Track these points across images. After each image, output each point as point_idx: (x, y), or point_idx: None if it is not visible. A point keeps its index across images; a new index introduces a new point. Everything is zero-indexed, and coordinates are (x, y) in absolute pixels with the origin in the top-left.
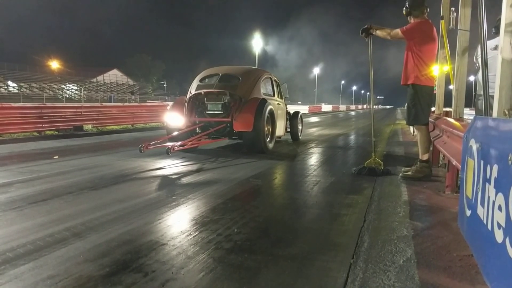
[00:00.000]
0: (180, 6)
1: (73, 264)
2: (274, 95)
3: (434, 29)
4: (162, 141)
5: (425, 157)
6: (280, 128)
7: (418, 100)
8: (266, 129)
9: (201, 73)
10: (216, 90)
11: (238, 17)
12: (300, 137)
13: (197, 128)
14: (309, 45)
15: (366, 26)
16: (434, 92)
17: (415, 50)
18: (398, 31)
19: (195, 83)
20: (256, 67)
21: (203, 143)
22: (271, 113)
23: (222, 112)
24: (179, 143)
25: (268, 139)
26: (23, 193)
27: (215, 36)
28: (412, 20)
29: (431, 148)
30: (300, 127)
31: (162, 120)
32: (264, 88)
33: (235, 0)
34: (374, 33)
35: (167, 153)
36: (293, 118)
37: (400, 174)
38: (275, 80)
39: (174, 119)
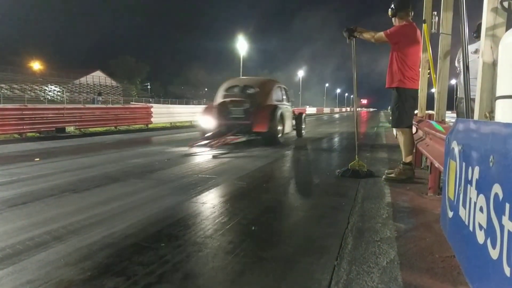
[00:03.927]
0: (165, 7)
1: (53, 268)
2: (283, 101)
3: (418, 32)
4: (201, 140)
5: (408, 159)
6: (288, 126)
7: (402, 103)
8: (278, 128)
9: (224, 84)
10: (238, 98)
11: (225, 19)
12: (303, 134)
13: (224, 129)
14: (294, 48)
15: (351, 27)
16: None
17: (399, 53)
18: (382, 34)
19: (220, 92)
20: (241, 68)
21: (231, 140)
22: (281, 115)
23: (243, 116)
24: (212, 142)
25: (280, 135)
26: (3, 196)
27: (201, 37)
28: (396, 22)
29: (414, 151)
30: (303, 126)
31: (196, 121)
32: (276, 96)
33: (222, 2)
34: (358, 36)
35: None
36: (297, 118)
37: (383, 176)
38: (283, 88)
39: (206, 122)
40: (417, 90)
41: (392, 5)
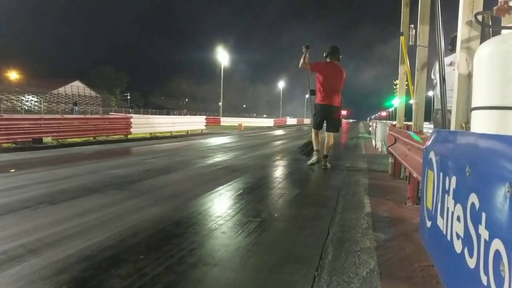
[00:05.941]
0: (146, 17)
1: (27, 283)
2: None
3: (336, 67)
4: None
5: (316, 147)
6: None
7: (316, 113)
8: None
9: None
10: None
11: (207, 31)
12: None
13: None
14: (274, 59)
15: (307, 44)
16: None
17: (319, 80)
18: (308, 65)
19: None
20: (222, 80)
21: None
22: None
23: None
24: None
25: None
26: None
27: (182, 48)
28: (327, 60)
29: (392, 161)
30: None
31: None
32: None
33: (202, 13)
34: (303, 51)
35: None
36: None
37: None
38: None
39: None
40: (326, 104)
41: (326, 51)
